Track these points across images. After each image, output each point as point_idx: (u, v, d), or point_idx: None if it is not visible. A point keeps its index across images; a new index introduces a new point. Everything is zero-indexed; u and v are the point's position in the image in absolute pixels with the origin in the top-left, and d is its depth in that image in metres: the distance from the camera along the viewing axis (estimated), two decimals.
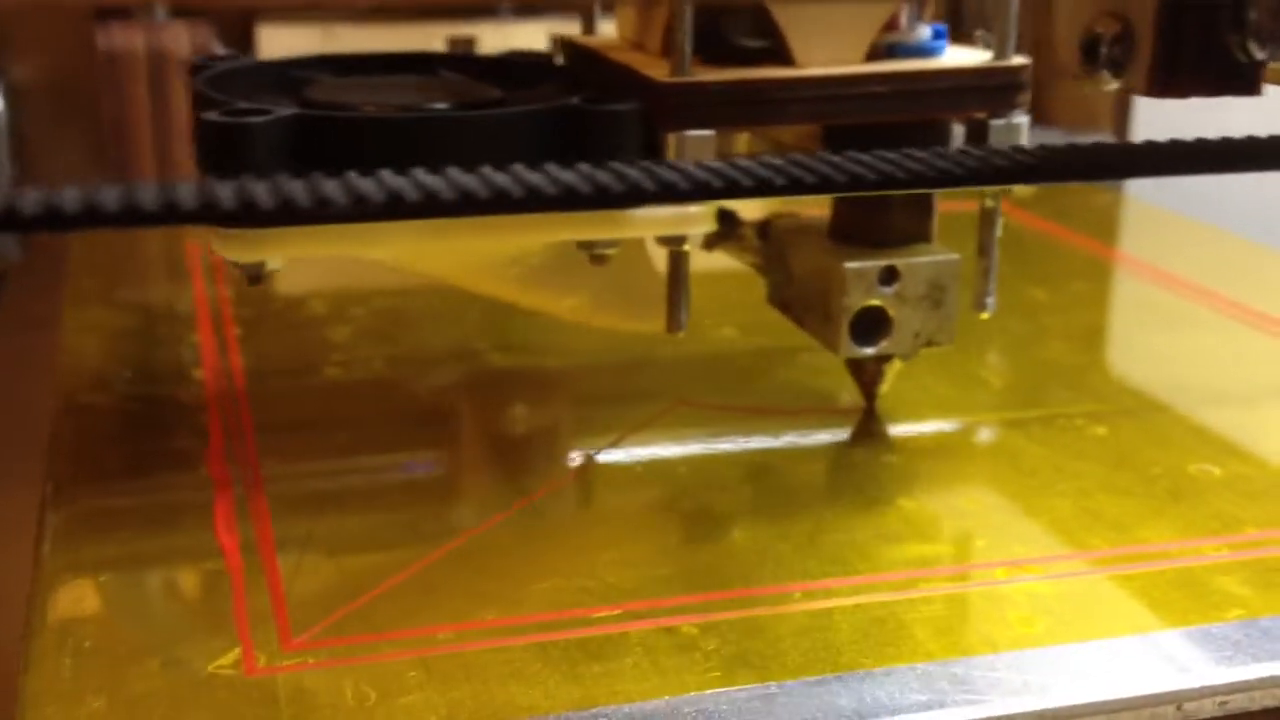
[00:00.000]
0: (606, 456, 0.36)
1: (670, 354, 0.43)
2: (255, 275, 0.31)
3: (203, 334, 0.44)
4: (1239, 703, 0.26)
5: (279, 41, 0.57)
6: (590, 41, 0.37)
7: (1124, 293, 0.51)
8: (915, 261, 0.35)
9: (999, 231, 0.36)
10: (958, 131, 0.35)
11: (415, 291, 0.48)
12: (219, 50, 0.57)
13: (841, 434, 0.38)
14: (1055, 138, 0.61)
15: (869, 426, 0.38)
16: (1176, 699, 0.26)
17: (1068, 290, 0.47)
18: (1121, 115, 0.65)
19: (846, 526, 0.32)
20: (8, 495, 0.35)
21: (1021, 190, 0.38)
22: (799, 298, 0.37)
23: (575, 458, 0.37)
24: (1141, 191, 0.60)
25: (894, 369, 0.37)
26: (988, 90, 0.34)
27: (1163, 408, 0.40)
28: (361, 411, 0.39)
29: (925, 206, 0.36)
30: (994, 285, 0.37)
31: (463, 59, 0.38)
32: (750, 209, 0.38)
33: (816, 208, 0.37)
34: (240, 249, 0.31)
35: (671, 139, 0.31)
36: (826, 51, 0.33)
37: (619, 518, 0.34)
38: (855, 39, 0.33)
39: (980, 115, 0.34)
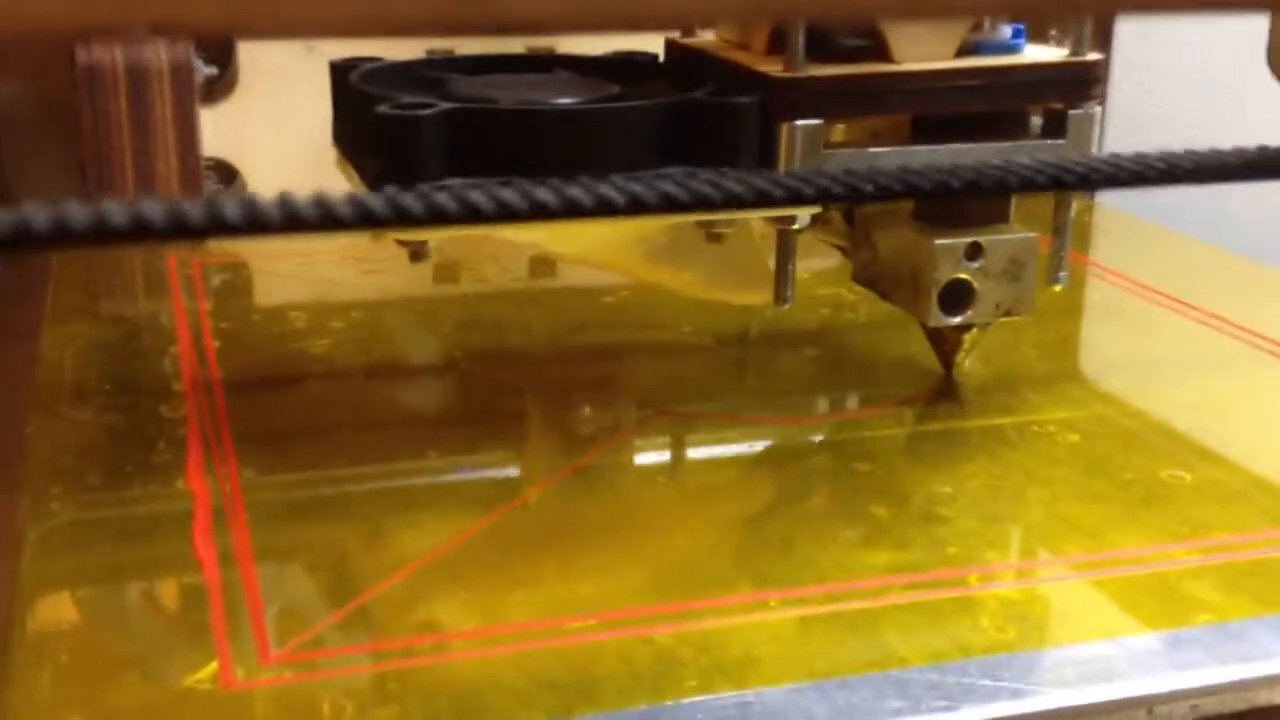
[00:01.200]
0: (584, 466, 0.36)
1: (646, 361, 0.43)
2: (418, 252, 0.34)
3: (182, 346, 0.44)
4: (1209, 706, 0.27)
5: (259, 54, 0.57)
6: (694, 42, 0.40)
7: (1095, 299, 0.52)
8: (997, 238, 0.37)
9: (1072, 214, 0.39)
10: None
11: (389, 304, 0.48)
12: (200, 64, 0.57)
13: (812, 441, 0.38)
14: None
15: (945, 393, 0.41)
16: (1147, 703, 0.27)
17: (1040, 296, 0.48)
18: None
19: (820, 534, 0.33)
20: None
21: None
22: (886, 274, 0.39)
23: (551, 468, 0.37)
24: (1111, 199, 0.61)
25: (972, 338, 0.40)
26: (1066, 83, 0.36)
27: (1135, 414, 0.40)
28: (338, 422, 0.39)
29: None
30: (1066, 261, 0.39)
31: (573, 59, 0.41)
32: None
33: None
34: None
35: (784, 129, 0.34)
36: (922, 49, 0.35)
37: (595, 526, 0.34)
38: (947, 38, 0.36)
39: (1058, 106, 0.37)
